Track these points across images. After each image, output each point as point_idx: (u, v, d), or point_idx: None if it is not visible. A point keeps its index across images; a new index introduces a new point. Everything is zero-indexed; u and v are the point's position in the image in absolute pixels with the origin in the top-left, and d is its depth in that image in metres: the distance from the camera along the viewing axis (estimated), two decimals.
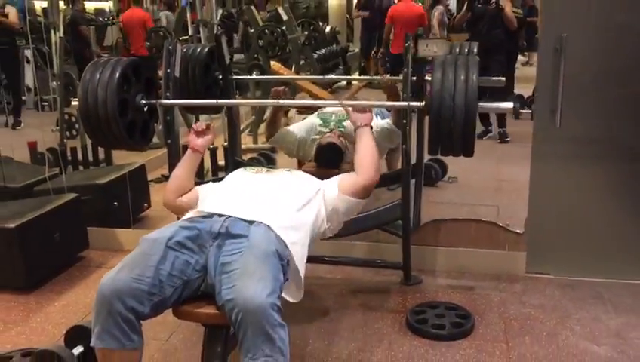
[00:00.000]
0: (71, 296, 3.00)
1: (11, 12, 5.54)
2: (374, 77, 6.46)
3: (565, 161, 2.92)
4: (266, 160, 4.80)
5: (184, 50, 3.42)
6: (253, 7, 6.21)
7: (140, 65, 2.78)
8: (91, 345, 1.88)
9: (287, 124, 3.83)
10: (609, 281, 2.95)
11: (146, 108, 2.71)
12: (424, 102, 2.44)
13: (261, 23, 6.12)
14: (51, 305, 2.89)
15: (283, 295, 1.93)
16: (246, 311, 1.73)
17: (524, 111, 2.46)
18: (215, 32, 4.47)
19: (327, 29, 10.30)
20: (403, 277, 3.00)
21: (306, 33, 7.17)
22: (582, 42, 2.76)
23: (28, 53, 7.61)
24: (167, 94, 2.76)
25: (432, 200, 4.23)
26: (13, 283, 3.01)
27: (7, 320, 2.78)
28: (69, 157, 4.78)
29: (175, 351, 2.50)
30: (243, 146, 5.11)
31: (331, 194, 2.31)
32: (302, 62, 7.45)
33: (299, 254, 2.07)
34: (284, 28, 5.85)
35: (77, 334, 2.34)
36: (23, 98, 7.50)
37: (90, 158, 4.88)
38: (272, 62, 6.02)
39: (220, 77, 3.43)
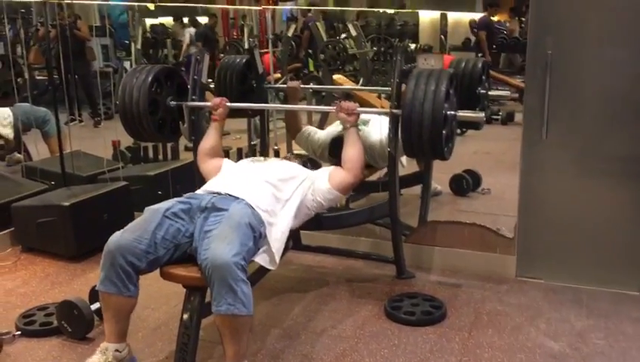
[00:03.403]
0: None
1: (83, 26, 6.34)
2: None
3: (552, 170, 3.07)
4: (311, 164, 5.16)
5: (225, 60, 3.90)
6: (318, 24, 6.64)
7: (172, 71, 3.27)
8: (96, 288, 2.35)
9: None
10: (595, 289, 3.06)
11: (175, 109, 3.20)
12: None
13: (325, 38, 6.53)
14: (93, 273, 3.41)
15: (258, 260, 2.36)
16: (214, 266, 2.13)
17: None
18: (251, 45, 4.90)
19: (412, 46, 10.56)
20: (396, 272, 3.26)
21: (375, 49, 7.50)
22: (567, 60, 2.92)
23: (126, 64, 8.50)
24: (194, 97, 3.20)
25: (458, 209, 4.44)
26: (66, 252, 3.59)
27: (55, 281, 3.34)
28: (142, 154, 5.42)
29: (179, 315, 2.90)
30: (295, 151, 5.57)
31: (322, 186, 2.69)
32: (374, 76, 7.80)
33: (276, 234, 2.46)
34: (345, 43, 6.22)
35: (98, 293, 2.82)
36: None
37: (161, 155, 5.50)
38: (336, 75, 6.44)
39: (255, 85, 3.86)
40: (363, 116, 3.69)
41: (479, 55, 8.45)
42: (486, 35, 8.81)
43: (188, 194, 2.57)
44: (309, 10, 7.88)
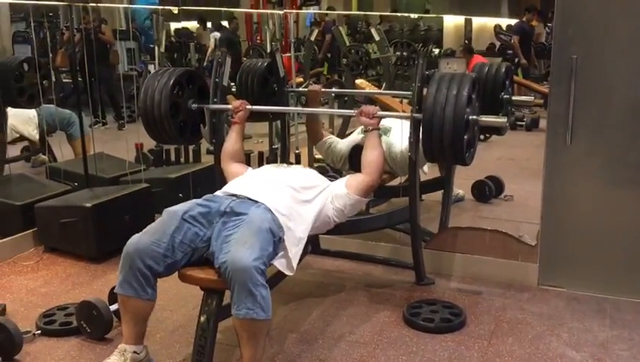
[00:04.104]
0: None
1: (107, 30, 6.43)
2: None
3: (576, 177, 3.02)
4: (331, 169, 5.15)
5: (247, 64, 3.91)
6: (340, 28, 6.63)
7: (194, 74, 3.28)
8: (114, 291, 2.36)
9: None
10: (619, 299, 3.00)
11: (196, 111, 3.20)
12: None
13: (348, 43, 6.52)
14: (113, 274, 3.41)
15: (276, 264, 2.35)
16: (234, 270, 2.12)
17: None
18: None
19: (436, 51, 10.48)
20: (415, 278, 3.23)
21: (398, 54, 7.46)
22: (592, 65, 2.87)
23: (151, 67, 8.58)
24: (215, 100, 3.21)
25: (479, 215, 4.39)
26: (87, 253, 3.62)
27: (76, 282, 3.37)
28: (164, 156, 5.46)
29: (197, 317, 2.90)
30: (317, 156, 5.56)
31: (340, 192, 2.68)
32: (397, 81, 7.78)
33: (293, 239, 2.44)
34: (367, 48, 6.20)
35: None
36: None
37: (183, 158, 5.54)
38: (358, 80, 6.42)
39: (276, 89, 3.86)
40: (384, 124, 3.68)
41: (516, 60, 8.34)
42: (519, 39, 8.64)
43: (206, 196, 2.56)
44: (327, 14, 7.89)
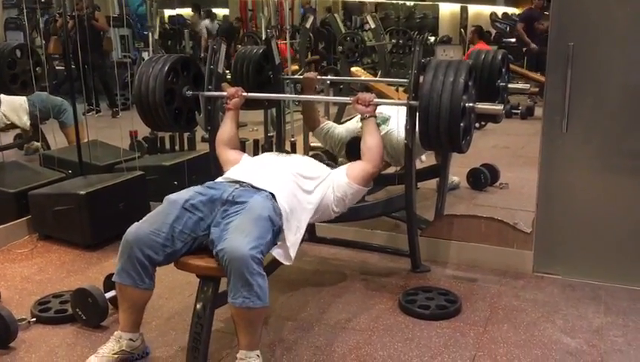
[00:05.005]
0: None
1: (100, 17, 6.37)
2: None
3: (572, 165, 3.02)
4: (327, 157, 5.14)
5: (242, 51, 3.89)
6: (336, 15, 6.59)
7: (189, 61, 3.25)
8: (112, 279, 2.35)
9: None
10: (614, 286, 3.01)
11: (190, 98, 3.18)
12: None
13: (343, 30, 6.48)
14: (108, 261, 3.42)
15: (275, 255, 2.33)
16: (231, 258, 2.11)
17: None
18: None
19: (432, 39, 10.42)
20: (411, 265, 3.23)
21: (394, 41, 7.41)
22: (589, 52, 2.86)
23: (145, 55, 8.52)
24: (210, 87, 3.18)
25: (475, 203, 4.39)
26: (82, 241, 3.61)
27: (70, 269, 3.36)
28: (158, 144, 5.44)
29: (193, 305, 2.90)
30: (312, 144, 5.55)
31: (341, 181, 2.67)
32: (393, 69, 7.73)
33: (292, 228, 2.42)
34: (363, 35, 6.16)
35: (113, 282, 2.83)
36: None
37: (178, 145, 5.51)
38: (353, 67, 6.40)
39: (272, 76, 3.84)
40: (383, 113, 3.66)
41: (524, 49, 8.25)
42: (524, 27, 8.49)
43: (208, 184, 2.54)
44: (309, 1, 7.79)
